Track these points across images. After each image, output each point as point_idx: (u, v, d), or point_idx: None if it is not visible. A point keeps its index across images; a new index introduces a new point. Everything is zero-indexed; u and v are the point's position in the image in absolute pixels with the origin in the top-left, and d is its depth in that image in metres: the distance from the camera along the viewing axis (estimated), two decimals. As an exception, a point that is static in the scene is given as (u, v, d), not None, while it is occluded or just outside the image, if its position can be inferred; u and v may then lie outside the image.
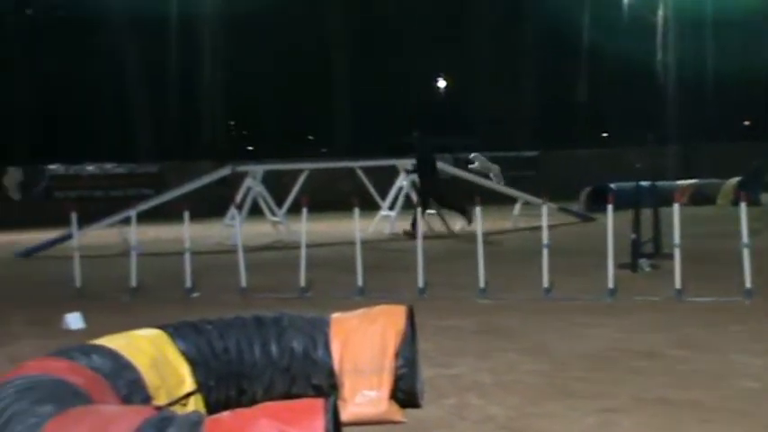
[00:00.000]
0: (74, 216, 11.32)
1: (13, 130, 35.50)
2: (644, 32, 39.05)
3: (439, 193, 16.84)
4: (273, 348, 4.73)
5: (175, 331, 4.51)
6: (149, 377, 3.90)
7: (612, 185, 18.25)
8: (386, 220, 17.99)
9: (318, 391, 4.74)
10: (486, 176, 18.45)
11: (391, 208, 18.15)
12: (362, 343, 4.88)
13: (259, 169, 17.55)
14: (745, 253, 8.39)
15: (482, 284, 9.25)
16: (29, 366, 3.36)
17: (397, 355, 4.88)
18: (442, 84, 45.93)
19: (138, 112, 35.64)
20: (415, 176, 17.57)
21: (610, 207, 9.12)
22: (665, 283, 9.06)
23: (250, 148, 42.48)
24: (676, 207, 8.83)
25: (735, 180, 21.99)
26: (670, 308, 8.27)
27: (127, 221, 12.99)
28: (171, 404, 3.98)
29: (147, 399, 3.78)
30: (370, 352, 4.84)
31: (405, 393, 4.92)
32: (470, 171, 18.71)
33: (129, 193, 24.82)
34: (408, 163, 17.97)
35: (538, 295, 9.05)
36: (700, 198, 22.33)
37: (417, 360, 5.11)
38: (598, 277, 9.15)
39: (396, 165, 18.28)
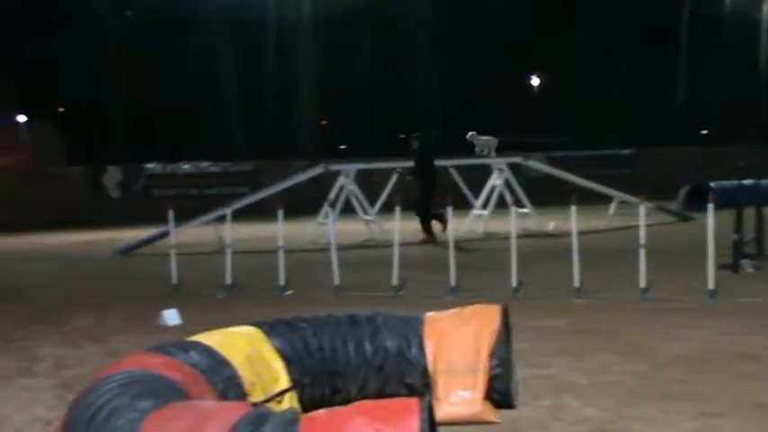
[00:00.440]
0: (170, 214, 11.58)
1: (113, 130, 36.44)
2: (746, 29, 38.10)
3: (425, 205, 16.16)
4: (367, 347, 4.71)
5: (270, 328, 4.53)
6: (245, 374, 3.93)
7: (712, 184, 17.81)
8: (479, 219, 17.89)
9: (411, 391, 4.71)
10: (488, 155, 17.80)
11: (484, 207, 18.04)
12: (456, 342, 4.84)
13: (352, 168, 17.65)
14: None
15: (577, 284, 9.13)
16: (128, 361, 3.41)
17: (491, 355, 4.81)
18: (535, 81, 45.49)
19: (233, 111, 36.23)
20: (503, 176, 17.43)
21: (710, 206, 8.90)
22: (768, 285, 8.82)
23: (342, 146, 42.74)
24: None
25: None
26: (774, 310, 8.04)
27: (222, 219, 13.22)
28: (266, 401, 4.01)
29: (242, 395, 3.81)
30: (465, 352, 4.79)
31: (499, 394, 4.85)
32: (475, 155, 18.07)
33: (223, 192, 25.14)
34: (501, 162, 17.83)
35: (634, 295, 8.89)
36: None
37: (512, 360, 5.04)
38: (697, 278, 8.95)
39: (490, 164, 18.16)
